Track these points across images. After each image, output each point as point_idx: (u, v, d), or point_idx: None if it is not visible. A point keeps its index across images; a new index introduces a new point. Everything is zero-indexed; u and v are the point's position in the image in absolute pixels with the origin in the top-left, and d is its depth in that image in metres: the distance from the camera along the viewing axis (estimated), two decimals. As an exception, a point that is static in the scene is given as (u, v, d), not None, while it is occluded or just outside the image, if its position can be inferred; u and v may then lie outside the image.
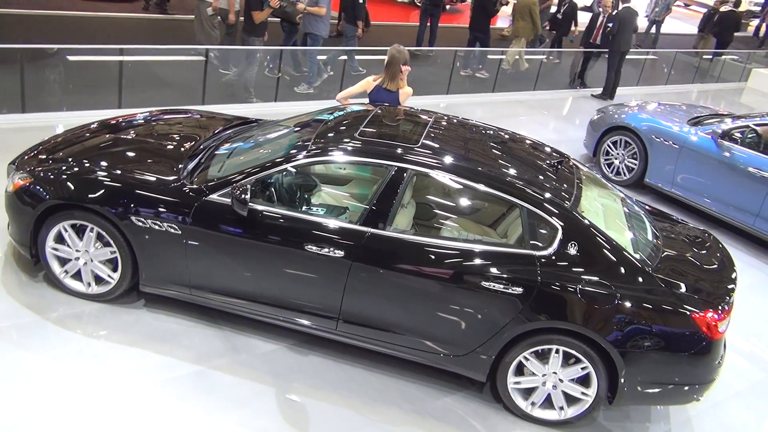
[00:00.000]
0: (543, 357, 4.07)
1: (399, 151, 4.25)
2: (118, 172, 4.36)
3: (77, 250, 4.38)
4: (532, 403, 4.19)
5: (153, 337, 4.31)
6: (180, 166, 4.51)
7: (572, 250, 3.99)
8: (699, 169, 7.57)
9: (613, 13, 12.10)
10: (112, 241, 4.29)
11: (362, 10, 10.64)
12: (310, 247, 4.04)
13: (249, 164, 4.29)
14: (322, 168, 5.03)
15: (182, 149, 4.82)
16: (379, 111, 5.00)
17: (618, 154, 8.38)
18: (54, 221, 4.32)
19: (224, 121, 5.64)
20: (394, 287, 4.08)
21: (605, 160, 8.57)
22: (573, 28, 13.88)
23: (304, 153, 4.24)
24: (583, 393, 4.08)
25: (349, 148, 4.28)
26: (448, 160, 4.26)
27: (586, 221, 4.09)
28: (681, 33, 22.22)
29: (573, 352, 3.98)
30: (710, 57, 16.70)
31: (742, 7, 19.59)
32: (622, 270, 4.01)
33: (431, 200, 4.90)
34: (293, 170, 4.34)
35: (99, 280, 4.48)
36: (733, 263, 4.70)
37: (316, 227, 4.10)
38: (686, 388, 4.09)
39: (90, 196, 4.23)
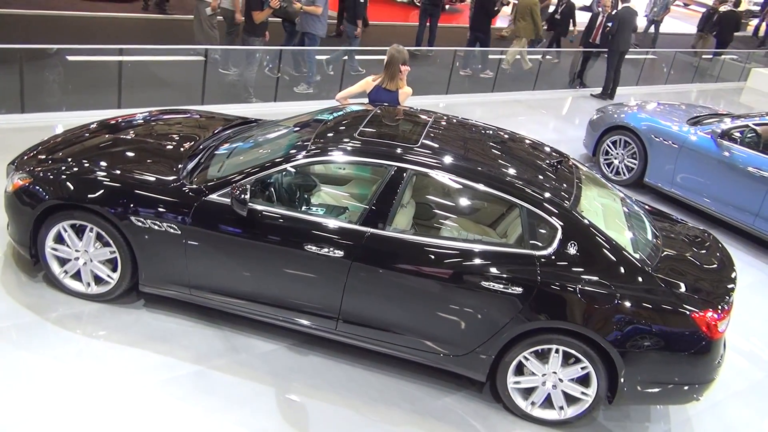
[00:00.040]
0: (543, 357, 4.07)
1: (398, 151, 4.25)
2: (118, 172, 4.36)
3: (77, 250, 4.38)
4: (532, 403, 4.19)
5: (152, 337, 4.31)
6: (179, 166, 4.51)
7: (572, 250, 3.99)
8: (698, 168, 7.57)
9: (613, 12, 12.11)
10: (111, 241, 4.29)
11: (362, 9, 10.64)
12: (309, 247, 4.04)
13: (248, 164, 4.29)
14: (321, 168, 5.03)
15: (182, 149, 4.82)
16: (379, 111, 5.00)
17: (617, 153, 8.38)
18: (53, 221, 4.32)
19: (224, 121, 5.64)
20: (394, 287, 4.08)
21: (605, 159, 8.57)
22: (572, 27, 13.89)
23: (304, 153, 4.24)
24: (582, 393, 4.08)
25: (349, 148, 4.28)
26: (447, 159, 4.26)
27: (586, 221, 4.09)
28: (680, 33, 22.23)
29: (573, 351, 3.98)
30: (710, 57, 16.71)
31: (742, 7, 19.59)
32: (622, 270, 4.01)
33: (431, 200, 4.90)
34: (293, 170, 4.34)
35: (98, 280, 4.47)
36: (732, 263, 4.70)
37: (315, 227, 4.10)
38: (686, 387, 4.09)
39: (89, 196, 4.23)
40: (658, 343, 3.91)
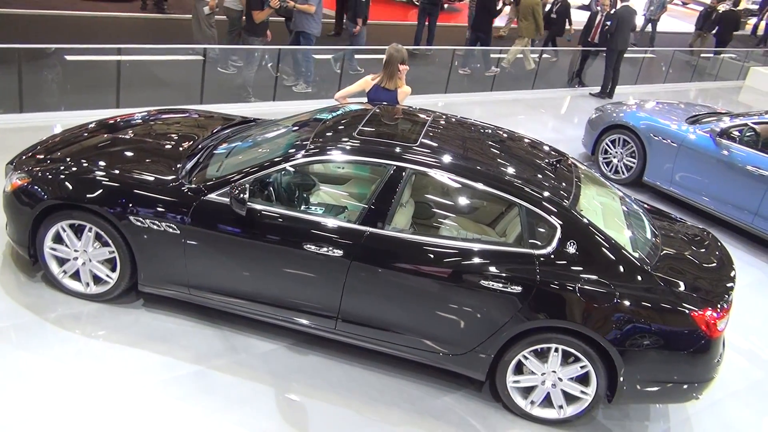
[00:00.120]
0: (542, 356, 4.07)
1: (397, 150, 4.25)
2: (117, 171, 4.36)
3: (76, 250, 4.38)
4: (532, 402, 4.19)
5: (152, 337, 4.31)
6: (178, 165, 4.51)
7: (571, 249, 3.99)
8: (697, 167, 7.57)
9: (612, 11, 12.11)
10: (110, 241, 4.29)
11: (364, 8, 10.63)
12: (308, 246, 4.04)
13: (247, 163, 4.29)
14: (320, 167, 5.03)
15: (180, 149, 4.81)
16: (378, 110, 5.00)
17: (616, 152, 8.39)
18: (52, 221, 4.31)
19: (223, 120, 5.63)
20: (393, 286, 4.08)
21: (604, 158, 8.57)
22: (568, 26, 13.90)
23: (303, 152, 4.24)
24: (582, 392, 4.08)
25: (348, 148, 4.28)
26: (446, 159, 4.26)
27: (585, 220, 4.09)
28: (679, 31, 22.24)
29: (572, 350, 3.98)
30: (708, 55, 16.72)
31: (740, 6, 19.61)
32: (621, 268, 4.01)
33: (430, 199, 4.90)
34: (292, 169, 4.34)
35: (97, 280, 4.47)
36: (731, 261, 4.71)
37: (314, 226, 4.10)
38: (685, 386, 4.09)
39: (88, 195, 4.23)
40: (657, 341, 3.91)
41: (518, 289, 3.91)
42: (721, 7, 17.03)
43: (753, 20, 26.41)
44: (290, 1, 9.17)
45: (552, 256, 3.98)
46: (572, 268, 3.96)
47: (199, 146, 4.87)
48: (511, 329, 3.97)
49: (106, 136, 5.03)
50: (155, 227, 4.18)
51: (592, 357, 3.95)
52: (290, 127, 4.88)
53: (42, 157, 4.61)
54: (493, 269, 3.95)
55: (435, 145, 4.42)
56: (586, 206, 4.27)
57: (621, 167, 8.36)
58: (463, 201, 4.91)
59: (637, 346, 3.91)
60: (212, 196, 4.17)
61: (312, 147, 4.26)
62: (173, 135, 5.21)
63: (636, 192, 7.80)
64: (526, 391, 4.20)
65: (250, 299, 4.30)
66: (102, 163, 4.47)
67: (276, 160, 4.23)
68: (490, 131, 5.06)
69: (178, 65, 9.45)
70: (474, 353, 4.11)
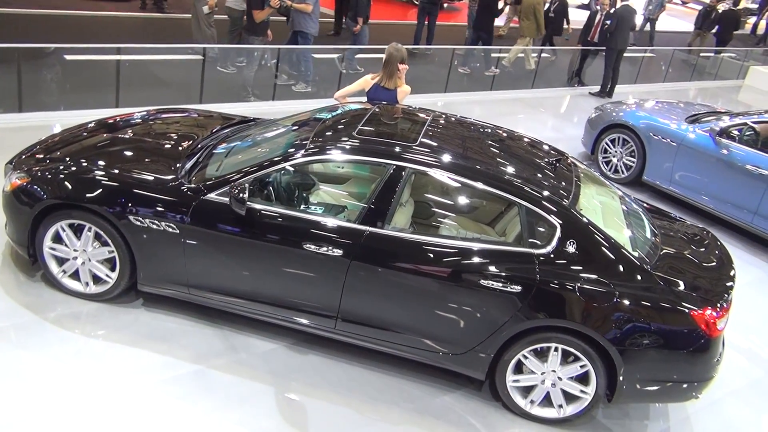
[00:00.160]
0: (542, 355, 4.07)
1: (397, 149, 4.24)
2: (116, 171, 4.35)
3: (75, 250, 4.38)
4: (531, 401, 4.19)
5: (151, 337, 4.30)
6: (178, 165, 4.50)
7: (571, 248, 3.99)
8: (697, 166, 7.57)
9: (611, 10, 12.11)
10: (110, 241, 4.28)
11: (364, 8, 10.62)
12: (308, 245, 4.04)
13: (247, 163, 4.29)
14: (320, 167, 5.02)
15: (180, 148, 4.81)
16: (377, 109, 4.99)
17: (616, 151, 8.39)
18: (51, 221, 4.31)
19: (222, 119, 5.63)
20: (393, 286, 4.08)
21: (603, 157, 8.57)
22: (565, 26, 13.90)
23: (303, 152, 4.24)
24: (582, 391, 4.08)
25: (348, 147, 4.27)
26: (446, 158, 4.26)
27: (585, 219, 4.09)
28: (678, 31, 22.24)
29: (572, 350, 3.98)
30: (708, 55, 16.72)
31: (740, 5, 19.62)
32: (621, 268, 4.01)
33: (430, 199, 4.90)
34: (291, 169, 4.33)
35: (97, 279, 4.47)
36: (731, 261, 4.71)
37: (314, 226, 4.10)
38: (685, 385, 4.09)
39: (88, 195, 4.22)
40: (657, 341, 3.91)
41: (518, 288, 3.91)
42: (721, 7, 17.04)
43: (752, 19, 26.44)
44: (288, 0, 9.17)
45: (552, 256, 3.97)
46: (572, 267, 3.96)
47: (199, 146, 4.87)
48: (511, 328, 3.97)
49: (105, 135, 5.02)
50: (155, 227, 4.18)
51: (592, 356, 3.95)
52: (290, 126, 4.88)
53: (41, 156, 4.60)
54: (492, 268, 3.95)
55: (435, 144, 4.42)
56: (586, 205, 4.27)
57: (620, 166, 8.36)
58: (462, 200, 4.91)
59: (636, 346, 3.91)
60: (212, 196, 4.16)
61: (311, 146, 4.26)
62: (173, 134, 5.20)
63: (635, 191, 7.80)
64: (526, 391, 4.20)
65: (249, 299, 4.30)
66: (101, 162, 4.47)
67: (275, 159, 4.23)
68: (489, 130, 5.06)
69: (178, 65, 9.45)
70: (474, 352, 4.11)
